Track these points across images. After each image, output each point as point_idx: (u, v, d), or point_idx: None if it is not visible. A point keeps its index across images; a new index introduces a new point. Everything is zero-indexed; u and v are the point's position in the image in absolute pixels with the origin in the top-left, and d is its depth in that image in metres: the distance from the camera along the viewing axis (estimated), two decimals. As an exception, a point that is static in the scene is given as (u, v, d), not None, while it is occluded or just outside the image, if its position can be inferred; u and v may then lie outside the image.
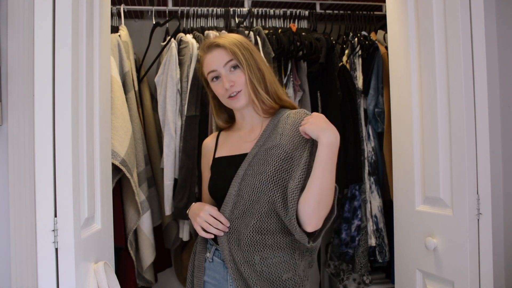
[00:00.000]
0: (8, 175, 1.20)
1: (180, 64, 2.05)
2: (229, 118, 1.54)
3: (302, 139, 1.31)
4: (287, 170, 1.29)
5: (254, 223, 1.29)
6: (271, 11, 2.32)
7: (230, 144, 1.47)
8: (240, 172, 1.33)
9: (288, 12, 2.35)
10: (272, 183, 1.28)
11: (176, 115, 2.02)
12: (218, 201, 1.43)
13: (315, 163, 1.23)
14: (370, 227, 2.25)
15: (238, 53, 1.35)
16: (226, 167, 1.41)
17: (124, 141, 1.75)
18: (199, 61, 1.46)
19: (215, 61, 1.37)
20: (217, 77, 1.38)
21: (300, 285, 1.30)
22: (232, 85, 1.34)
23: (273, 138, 1.35)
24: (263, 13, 2.31)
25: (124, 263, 1.90)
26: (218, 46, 1.37)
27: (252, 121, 1.45)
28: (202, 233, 1.34)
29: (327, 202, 1.24)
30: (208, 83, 1.45)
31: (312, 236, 1.27)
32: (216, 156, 1.48)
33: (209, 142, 1.56)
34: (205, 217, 1.33)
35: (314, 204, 1.22)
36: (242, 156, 1.37)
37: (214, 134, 1.57)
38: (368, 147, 2.27)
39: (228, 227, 1.32)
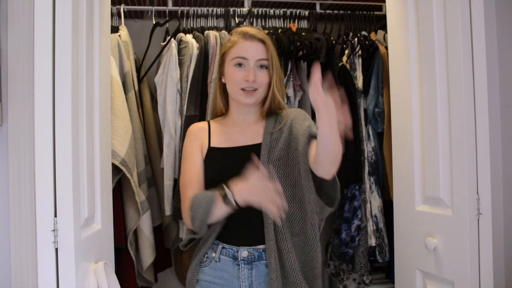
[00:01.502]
0: (8, 175, 1.20)
1: (180, 64, 2.05)
2: (227, 104, 1.53)
3: (304, 132, 1.36)
4: (296, 156, 1.35)
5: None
6: (271, 11, 2.32)
7: (226, 136, 1.46)
8: (264, 158, 1.35)
9: (288, 12, 2.34)
10: (291, 167, 1.34)
11: (176, 115, 2.02)
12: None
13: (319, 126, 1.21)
14: (370, 227, 2.25)
15: (273, 57, 1.40)
16: (226, 159, 1.40)
17: (124, 141, 1.75)
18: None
19: (252, 52, 1.38)
20: (240, 64, 1.39)
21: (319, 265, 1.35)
22: (254, 81, 1.36)
23: (280, 130, 1.40)
24: (263, 13, 2.31)
25: (124, 263, 1.90)
26: (261, 41, 1.40)
27: (249, 118, 1.46)
28: (275, 212, 1.19)
29: (339, 149, 1.26)
30: (224, 62, 1.44)
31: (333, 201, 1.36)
32: (212, 145, 1.45)
33: (201, 127, 1.51)
34: (270, 194, 1.17)
35: (331, 156, 1.24)
36: (249, 147, 1.39)
37: (204, 122, 1.55)
38: (368, 147, 2.27)
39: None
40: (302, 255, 1.34)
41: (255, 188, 1.20)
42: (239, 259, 1.35)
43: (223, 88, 1.49)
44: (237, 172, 1.37)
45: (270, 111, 1.47)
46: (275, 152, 1.37)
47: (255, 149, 1.40)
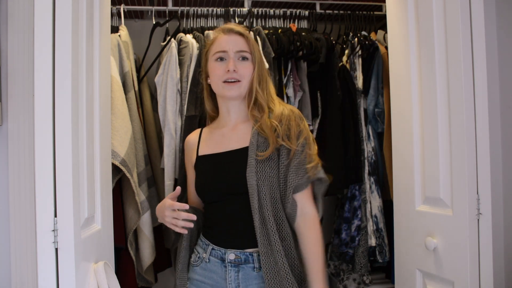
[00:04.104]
0: (8, 175, 1.20)
1: (180, 64, 2.05)
2: (216, 108, 1.52)
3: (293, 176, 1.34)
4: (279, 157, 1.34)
5: (271, 211, 1.32)
6: (271, 11, 2.32)
7: (213, 141, 1.46)
8: (252, 161, 1.32)
9: (288, 12, 2.34)
10: (277, 168, 1.33)
11: (176, 115, 2.02)
12: (205, 200, 1.44)
13: None
14: (370, 227, 2.25)
15: (256, 51, 1.40)
16: (212, 165, 1.41)
17: (124, 141, 1.75)
18: (209, 39, 1.49)
19: (230, 44, 1.38)
20: (221, 59, 1.38)
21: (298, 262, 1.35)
22: (235, 71, 1.35)
23: (263, 135, 1.36)
24: (263, 13, 2.31)
25: (124, 263, 1.90)
26: (239, 34, 1.40)
27: (238, 117, 1.44)
28: (181, 230, 1.34)
29: None
30: (207, 61, 1.44)
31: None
32: (200, 154, 1.46)
33: (191, 139, 1.53)
34: (170, 214, 1.31)
35: None
36: (234, 152, 1.38)
37: (197, 130, 1.55)
38: (368, 147, 2.27)
39: (191, 212, 1.33)
40: (290, 253, 1.34)
41: (160, 211, 1.36)
42: (226, 261, 1.35)
43: (210, 90, 1.48)
44: (221, 179, 1.38)
45: (257, 110, 1.41)
46: (262, 153, 1.34)
47: (240, 154, 1.37)
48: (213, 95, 1.50)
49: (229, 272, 1.34)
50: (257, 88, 1.39)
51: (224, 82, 1.37)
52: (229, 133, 1.44)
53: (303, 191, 1.35)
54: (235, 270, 1.34)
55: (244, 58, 1.38)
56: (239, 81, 1.37)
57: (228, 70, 1.35)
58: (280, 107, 1.40)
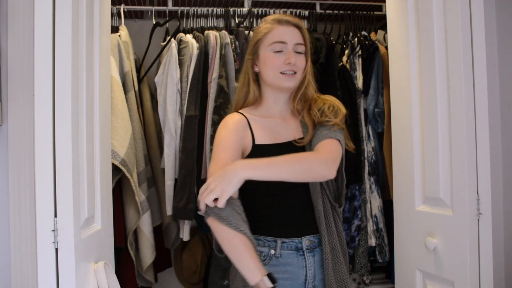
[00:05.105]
0: (8, 175, 1.21)
1: (180, 64, 2.05)
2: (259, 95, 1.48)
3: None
4: None
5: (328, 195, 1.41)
6: (271, 11, 2.32)
7: (267, 131, 1.41)
8: (309, 148, 1.38)
9: (288, 12, 2.34)
10: None
11: (176, 115, 2.03)
12: (267, 192, 1.37)
13: None
14: (370, 227, 2.25)
15: (308, 43, 1.43)
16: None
17: (124, 141, 1.75)
18: (261, 27, 1.43)
19: (290, 36, 1.39)
20: (279, 51, 1.39)
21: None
22: (295, 63, 1.37)
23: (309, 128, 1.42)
24: (263, 13, 2.31)
25: (124, 263, 1.90)
26: (296, 26, 1.41)
27: (286, 108, 1.46)
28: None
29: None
30: (258, 50, 1.42)
31: None
32: (257, 142, 1.39)
33: (241, 119, 1.41)
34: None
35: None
36: (291, 144, 1.40)
37: (239, 115, 1.43)
38: (368, 147, 2.27)
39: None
40: (341, 236, 1.42)
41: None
42: (304, 249, 1.37)
43: (255, 77, 1.46)
44: None
45: (301, 102, 1.45)
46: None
47: (297, 144, 1.40)
48: (257, 83, 1.47)
49: (308, 258, 1.36)
50: (310, 81, 1.44)
51: (282, 73, 1.38)
52: (283, 124, 1.44)
53: (325, 140, 1.37)
54: (312, 254, 1.37)
55: (298, 52, 1.40)
56: (295, 73, 1.39)
57: (289, 63, 1.36)
58: (320, 100, 1.46)
